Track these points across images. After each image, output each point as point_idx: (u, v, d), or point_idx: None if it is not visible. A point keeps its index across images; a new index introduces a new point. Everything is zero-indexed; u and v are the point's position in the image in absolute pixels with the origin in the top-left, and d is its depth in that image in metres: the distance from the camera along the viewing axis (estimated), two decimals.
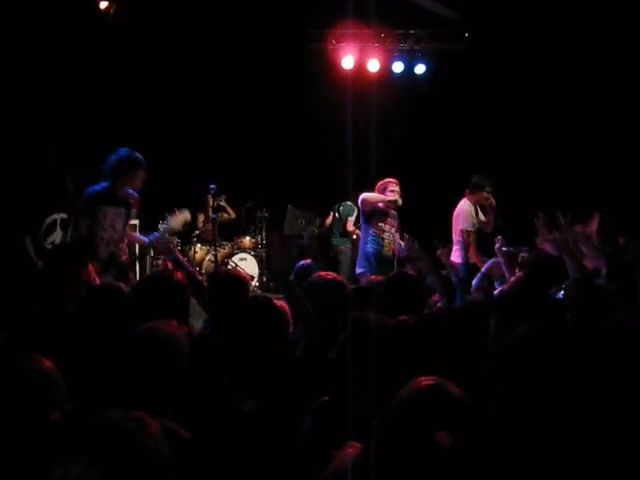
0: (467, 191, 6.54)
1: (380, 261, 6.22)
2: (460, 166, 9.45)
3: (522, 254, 6.99)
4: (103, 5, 8.04)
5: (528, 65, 9.23)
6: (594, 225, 5.56)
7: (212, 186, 6.12)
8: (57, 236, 5.31)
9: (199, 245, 9.28)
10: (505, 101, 9.42)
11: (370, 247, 6.31)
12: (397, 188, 6.43)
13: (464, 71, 9.59)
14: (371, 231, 6.35)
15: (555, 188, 8.64)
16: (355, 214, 8.84)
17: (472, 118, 9.72)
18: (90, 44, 7.98)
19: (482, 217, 6.67)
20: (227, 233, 9.57)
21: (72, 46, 7.69)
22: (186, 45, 9.10)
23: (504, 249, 8.01)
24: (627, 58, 8.42)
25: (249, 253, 9.39)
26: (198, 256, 9.25)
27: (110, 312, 2.95)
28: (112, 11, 8.02)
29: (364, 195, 6.39)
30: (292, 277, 3.95)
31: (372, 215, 6.35)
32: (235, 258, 9.27)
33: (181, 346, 2.46)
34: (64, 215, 5.39)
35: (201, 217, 9.62)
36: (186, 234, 9.02)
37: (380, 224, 6.35)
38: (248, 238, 9.60)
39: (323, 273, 3.56)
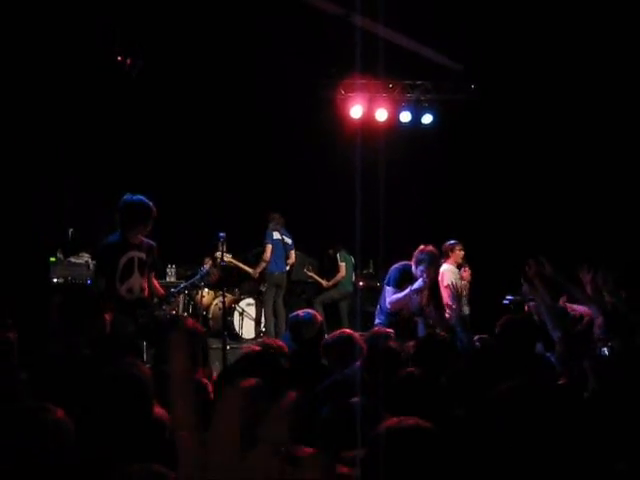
0: (442, 259, 6.89)
1: (398, 319, 5.77)
2: (465, 213, 9.55)
3: (530, 303, 7.03)
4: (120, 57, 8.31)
5: (532, 116, 9.37)
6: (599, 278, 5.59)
7: (222, 234, 6.18)
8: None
9: (206, 290, 9.28)
10: (510, 150, 9.54)
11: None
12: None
13: (470, 121, 9.74)
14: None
15: (559, 236, 8.69)
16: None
17: (477, 167, 9.83)
18: (105, 95, 8.22)
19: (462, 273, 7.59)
20: (234, 279, 9.58)
21: (87, 97, 7.93)
22: (198, 94, 9.28)
23: (509, 297, 8.05)
24: (634, 108, 8.54)
25: (256, 298, 9.41)
26: (205, 300, 9.26)
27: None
28: (129, 63, 8.25)
29: (392, 300, 5.77)
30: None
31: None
32: (242, 303, 9.29)
33: (147, 385, 2.44)
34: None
35: (208, 262, 9.63)
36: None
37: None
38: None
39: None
